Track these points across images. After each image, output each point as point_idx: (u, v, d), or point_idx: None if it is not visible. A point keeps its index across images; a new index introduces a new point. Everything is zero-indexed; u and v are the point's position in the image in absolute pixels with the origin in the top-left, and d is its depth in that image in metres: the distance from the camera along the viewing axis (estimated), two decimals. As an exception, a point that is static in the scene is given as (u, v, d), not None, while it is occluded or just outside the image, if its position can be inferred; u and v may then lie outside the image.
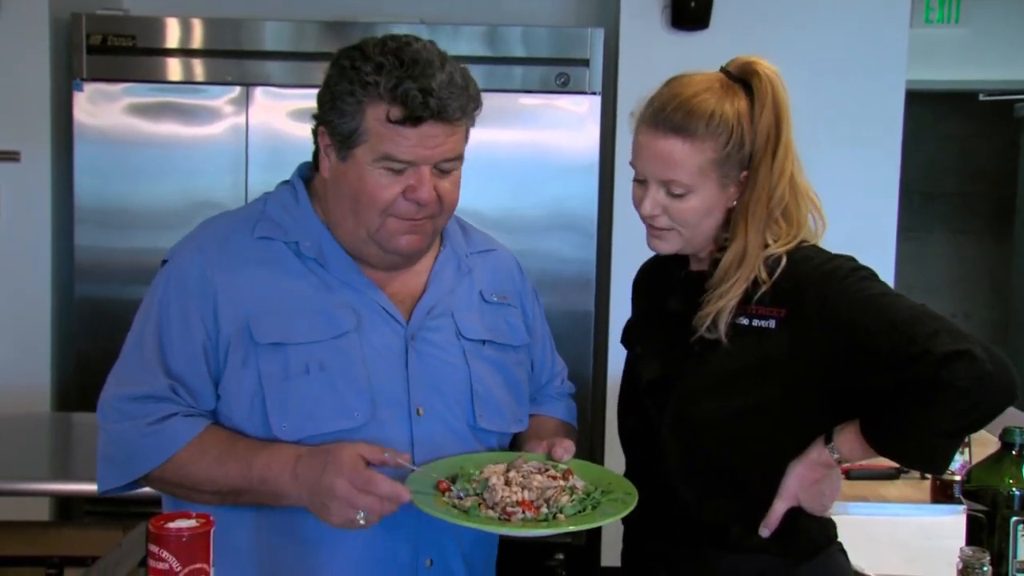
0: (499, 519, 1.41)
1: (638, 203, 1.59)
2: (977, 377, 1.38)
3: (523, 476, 1.47)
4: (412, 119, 1.44)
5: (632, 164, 1.59)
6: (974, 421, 1.44)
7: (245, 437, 1.48)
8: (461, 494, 1.44)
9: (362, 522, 1.37)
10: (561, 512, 1.43)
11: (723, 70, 1.59)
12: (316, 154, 1.59)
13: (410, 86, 1.43)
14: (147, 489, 1.55)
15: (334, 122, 1.48)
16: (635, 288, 1.81)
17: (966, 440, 2.23)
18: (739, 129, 1.54)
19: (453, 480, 1.48)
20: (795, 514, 1.54)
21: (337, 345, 1.49)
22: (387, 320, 1.54)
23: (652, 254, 1.76)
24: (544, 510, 1.43)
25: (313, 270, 1.54)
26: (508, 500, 1.43)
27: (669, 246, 1.60)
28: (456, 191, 1.55)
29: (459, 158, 1.53)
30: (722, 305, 1.53)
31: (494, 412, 1.60)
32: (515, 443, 1.67)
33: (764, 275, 1.53)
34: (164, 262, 1.57)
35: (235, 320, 1.48)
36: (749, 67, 1.57)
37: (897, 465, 2.41)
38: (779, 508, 1.52)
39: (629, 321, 1.80)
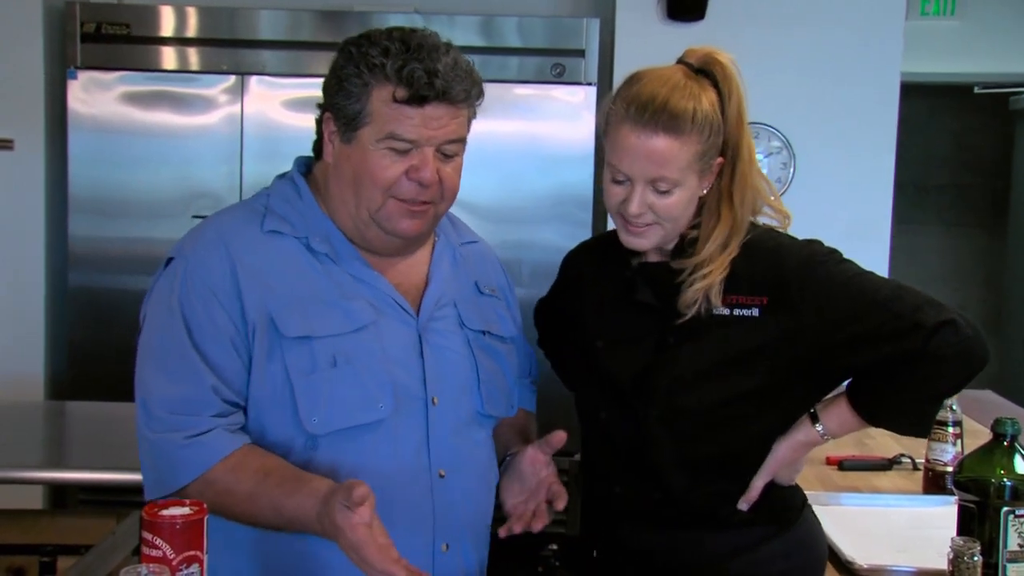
0: None
1: (619, 202, 1.58)
2: (962, 342, 1.51)
3: None
4: (417, 99, 1.47)
5: (612, 164, 1.58)
6: (960, 382, 1.58)
7: (276, 467, 1.45)
8: None
9: None
10: None
11: (683, 63, 1.61)
12: (318, 143, 1.60)
13: (416, 67, 1.47)
14: (138, 476, 1.54)
15: (340, 104, 1.50)
16: (567, 273, 1.81)
17: (958, 431, 2.25)
18: (716, 120, 1.56)
19: None
20: (771, 484, 1.61)
21: (358, 338, 1.51)
22: (399, 313, 1.56)
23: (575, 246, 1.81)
24: None
25: (324, 264, 1.54)
26: None
27: (650, 242, 1.60)
28: (457, 179, 1.57)
29: (462, 141, 1.56)
30: (710, 282, 1.55)
31: (497, 399, 1.64)
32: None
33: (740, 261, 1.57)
34: (170, 259, 1.55)
35: (259, 312, 1.48)
36: (710, 58, 1.59)
37: (889, 456, 2.43)
38: (759, 484, 1.60)
39: (550, 303, 1.83)
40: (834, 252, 1.60)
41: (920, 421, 1.60)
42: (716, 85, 1.57)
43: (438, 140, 1.51)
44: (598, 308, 1.70)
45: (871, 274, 1.58)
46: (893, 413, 1.57)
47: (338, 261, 1.55)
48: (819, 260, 1.57)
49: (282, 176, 1.64)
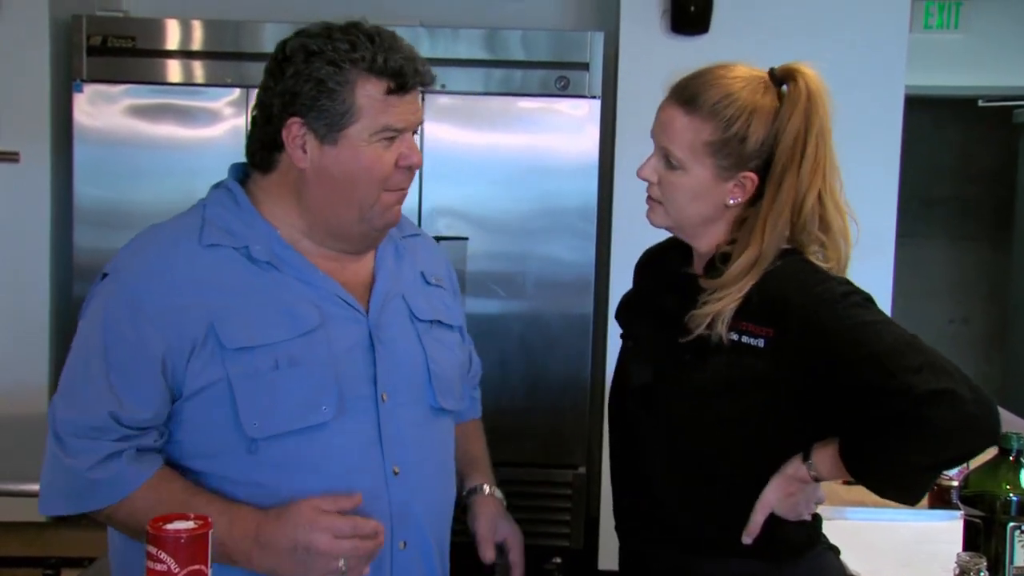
0: None
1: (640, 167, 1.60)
2: (958, 419, 1.38)
3: None
4: (403, 88, 1.50)
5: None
6: (952, 459, 1.47)
7: (198, 493, 1.47)
8: None
9: (344, 569, 1.39)
10: None
11: (770, 70, 1.59)
12: (261, 152, 1.56)
13: (398, 58, 1.49)
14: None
15: (323, 106, 1.48)
16: (637, 269, 1.80)
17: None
18: (748, 123, 1.52)
19: None
20: (773, 518, 1.55)
21: (304, 342, 1.50)
22: (349, 312, 1.55)
23: (656, 243, 1.77)
24: None
25: (267, 271, 1.53)
26: None
27: (656, 219, 1.61)
28: None
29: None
30: (720, 308, 1.51)
31: (449, 391, 1.64)
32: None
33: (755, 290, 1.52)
34: (104, 275, 1.53)
35: (200, 327, 1.46)
36: (791, 71, 1.56)
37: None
38: (757, 519, 1.53)
39: (627, 296, 1.78)
40: (850, 295, 1.50)
41: (905, 489, 1.48)
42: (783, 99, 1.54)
43: (417, 123, 1.56)
44: (636, 308, 1.71)
45: (883, 324, 1.46)
46: (879, 475, 1.46)
47: (280, 267, 1.53)
48: (826, 301, 1.48)
49: (217, 185, 1.61)
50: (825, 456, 1.48)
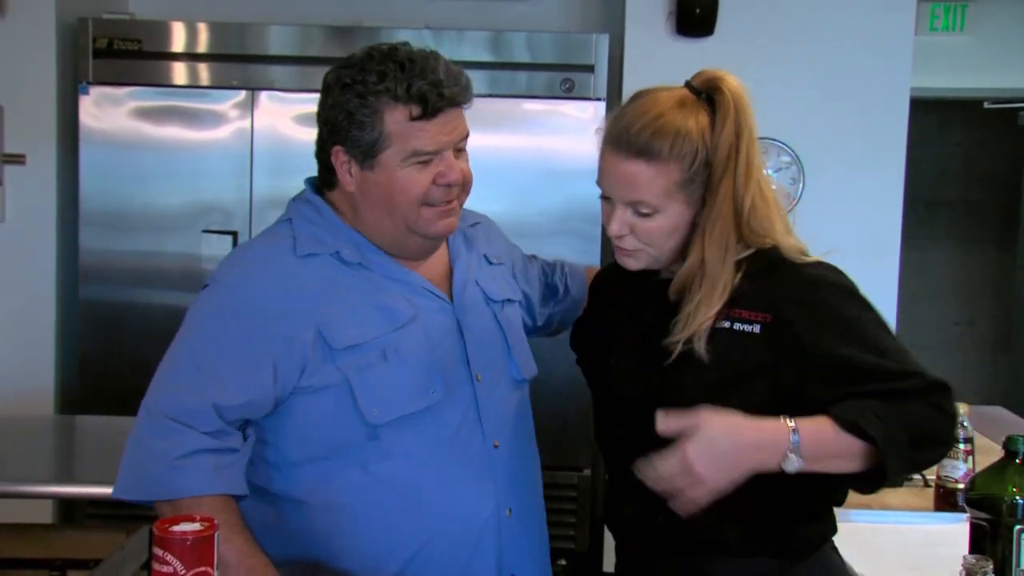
0: None
1: (605, 222, 1.59)
2: (951, 412, 1.47)
3: None
4: (431, 112, 1.57)
5: (598, 183, 1.59)
6: (935, 449, 1.51)
7: (253, 555, 1.53)
8: None
9: None
10: None
11: (688, 84, 1.57)
12: (323, 173, 1.67)
13: (421, 83, 1.56)
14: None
15: (355, 136, 1.58)
16: (594, 291, 1.81)
17: (969, 448, 2.24)
18: (703, 148, 1.52)
19: None
20: (788, 515, 1.56)
21: (403, 333, 1.61)
22: (436, 301, 1.67)
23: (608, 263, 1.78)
24: None
25: (358, 272, 1.63)
26: None
27: (638, 263, 1.59)
28: (469, 167, 1.67)
29: (468, 135, 1.66)
30: (695, 328, 1.51)
31: (528, 363, 1.78)
32: None
33: (737, 279, 1.53)
34: (205, 286, 1.63)
35: (307, 331, 1.56)
36: (714, 82, 1.54)
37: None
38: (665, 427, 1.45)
39: (583, 320, 1.82)
40: (840, 281, 1.54)
41: (897, 461, 1.42)
42: (714, 110, 1.53)
43: (454, 142, 1.61)
44: (614, 326, 1.70)
45: (876, 317, 1.52)
46: (876, 431, 1.41)
47: (370, 267, 1.64)
48: (824, 285, 1.52)
49: (296, 199, 1.70)
50: (812, 421, 1.43)
